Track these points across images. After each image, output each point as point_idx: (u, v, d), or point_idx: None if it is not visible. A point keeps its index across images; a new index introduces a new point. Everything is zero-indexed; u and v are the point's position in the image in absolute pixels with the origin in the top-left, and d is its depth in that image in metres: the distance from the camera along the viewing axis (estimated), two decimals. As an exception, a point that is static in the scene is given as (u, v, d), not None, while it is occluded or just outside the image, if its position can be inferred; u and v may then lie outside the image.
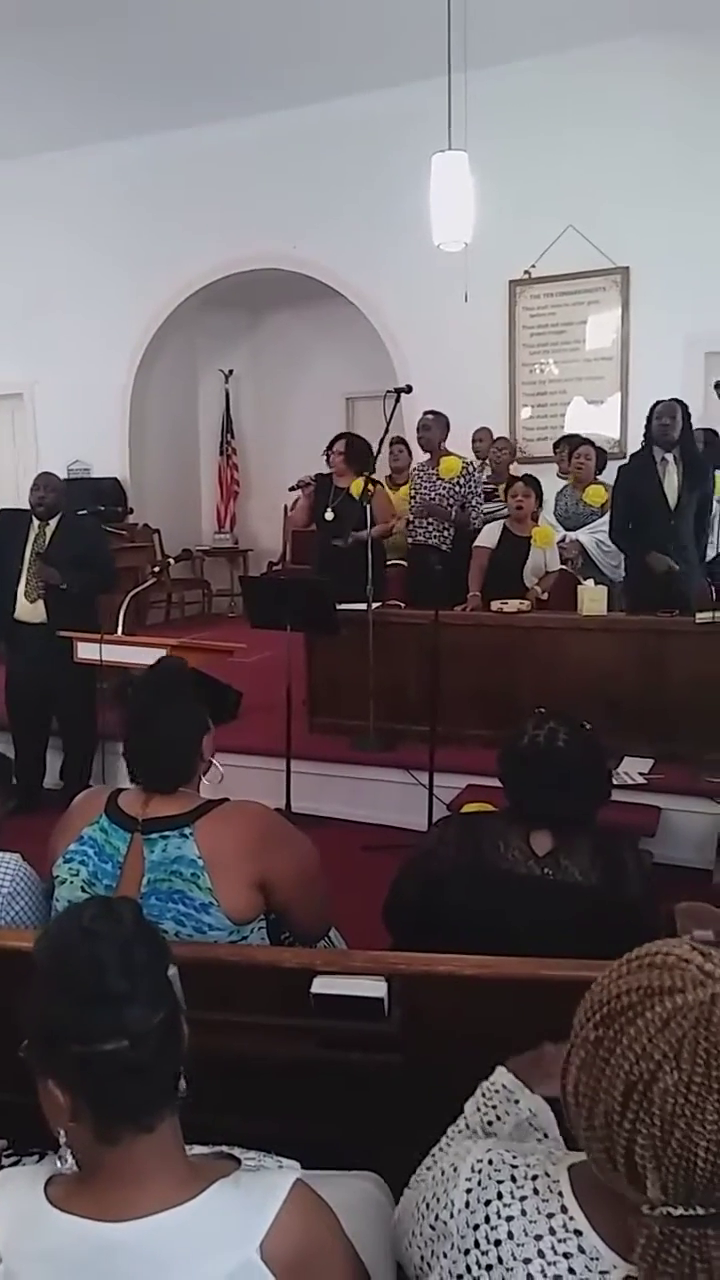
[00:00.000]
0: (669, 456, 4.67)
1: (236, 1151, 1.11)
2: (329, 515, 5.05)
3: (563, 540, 5.22)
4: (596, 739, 1.76)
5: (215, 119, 7.58)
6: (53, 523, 4.55)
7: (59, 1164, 1.01)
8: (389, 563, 5.29)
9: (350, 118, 7.29)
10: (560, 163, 6.72)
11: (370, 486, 4.71)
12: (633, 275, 6.81)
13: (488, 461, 6.28)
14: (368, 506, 4.65)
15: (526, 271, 7.00)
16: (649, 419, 4.70)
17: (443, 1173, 1.01)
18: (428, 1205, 1.00)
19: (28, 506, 4.59)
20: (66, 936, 1.02)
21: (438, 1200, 0.98)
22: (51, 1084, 0.97)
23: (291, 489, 5.42)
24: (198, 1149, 1.10)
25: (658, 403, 4.71)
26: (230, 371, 9.92)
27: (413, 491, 5.35)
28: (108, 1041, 0.95)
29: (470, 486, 5.26)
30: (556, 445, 6.29)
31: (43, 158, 8.26)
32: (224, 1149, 1.13)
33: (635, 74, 6.49)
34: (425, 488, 5.25)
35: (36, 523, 4.55)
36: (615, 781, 3.43)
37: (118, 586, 4.78)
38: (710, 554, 5.19)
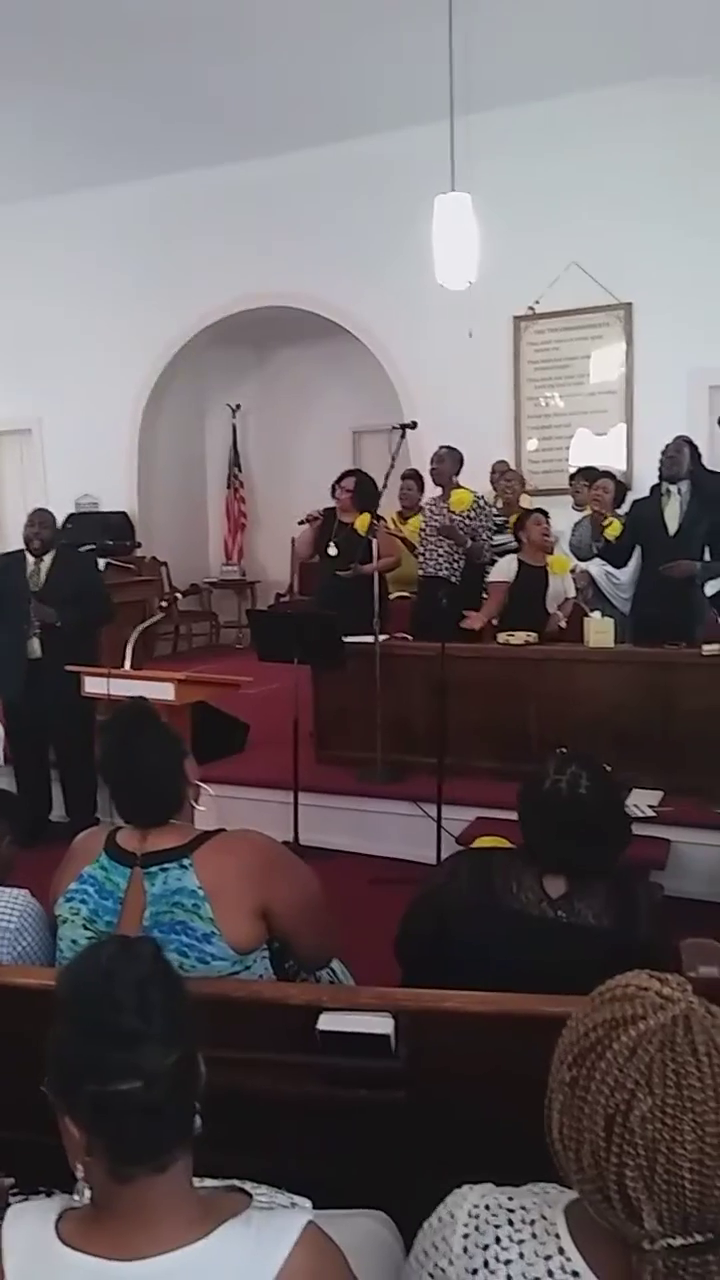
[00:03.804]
0: (674, 489, 4.87)
1: (248, 1186, 1.10)
2: (332, 550, 5.16)
3: (573, 570, 5.24)
4: (618, 784, 1.73)
5: (223, 160, 7.71)
6: (47, 559, 4.60)
7: (75, 1197, 1.01)
8: (393, 596, 5.34)
9: (355, 159, 7.42)
10: (562, 201, 6.82)
11: (375, 522, 4.81)
12: (635, 311, 6.89)
13: (499, 494, 6.32)
14: (373, 541, 4.76)
15: (530, 308, 7.09)
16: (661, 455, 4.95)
17: (440, 1220, 1.01)
18: (426, 1254, 1.00)
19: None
20: (84, 975, 1.02)
21: (436, 1249, 0.98)
22: (68, 1121, 0.97)
23: (300, 523, 5.46)
24: (209, 1182, 1.09)
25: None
26: (238, 406, 10.03)
27: (424, 525, 5.41)
28: (121, 1081, 0.94)
29: (480, 520, 5.30)
30: (573, 477, 6.33)
31: (53, 198, 8.41)
32: (235, 1183, 1.12)
33: (633, 116, 6.59)
34: (437, 520, 5.30)
35: (32, 559, 4.60)
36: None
37: (113, 619, 4.83)
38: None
